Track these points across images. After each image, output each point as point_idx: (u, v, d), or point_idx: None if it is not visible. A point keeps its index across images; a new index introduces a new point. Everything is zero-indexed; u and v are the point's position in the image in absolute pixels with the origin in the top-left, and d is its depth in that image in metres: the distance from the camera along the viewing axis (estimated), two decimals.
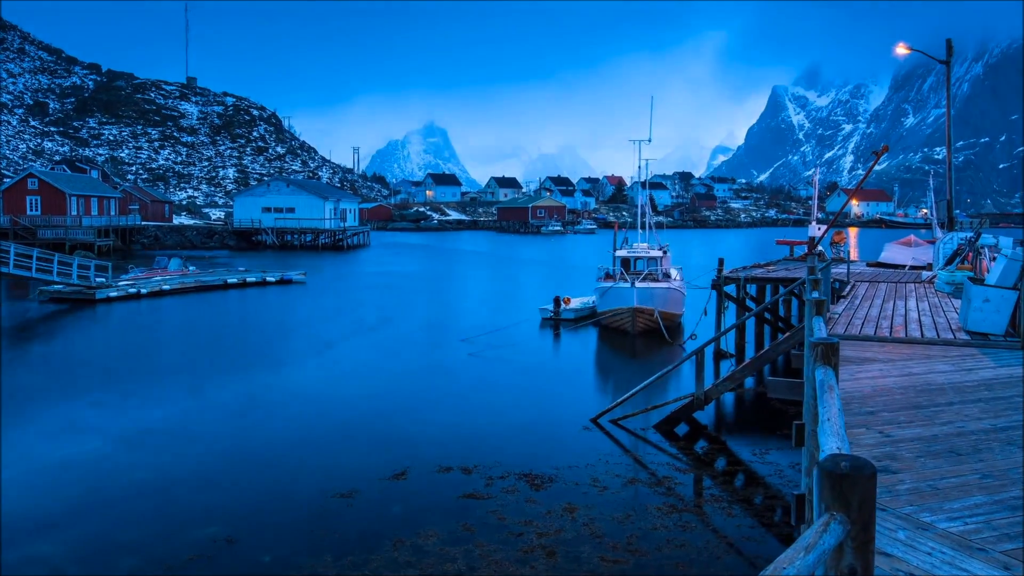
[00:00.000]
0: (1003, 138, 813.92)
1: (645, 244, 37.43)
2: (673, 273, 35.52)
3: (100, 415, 19.71)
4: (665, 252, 35.94)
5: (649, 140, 42.35)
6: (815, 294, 8.88)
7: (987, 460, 7.15)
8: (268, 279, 52.71)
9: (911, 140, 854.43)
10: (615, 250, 35.78)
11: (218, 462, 15.82)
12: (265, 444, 17.10)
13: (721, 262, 28.49)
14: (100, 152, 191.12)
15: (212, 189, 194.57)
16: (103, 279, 43.91)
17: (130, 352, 28.87)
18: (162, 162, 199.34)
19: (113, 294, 42.27)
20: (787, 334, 17.91)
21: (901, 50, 32.77)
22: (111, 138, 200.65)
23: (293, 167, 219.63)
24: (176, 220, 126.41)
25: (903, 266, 30.83)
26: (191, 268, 53.58)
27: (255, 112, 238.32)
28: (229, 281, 50.25)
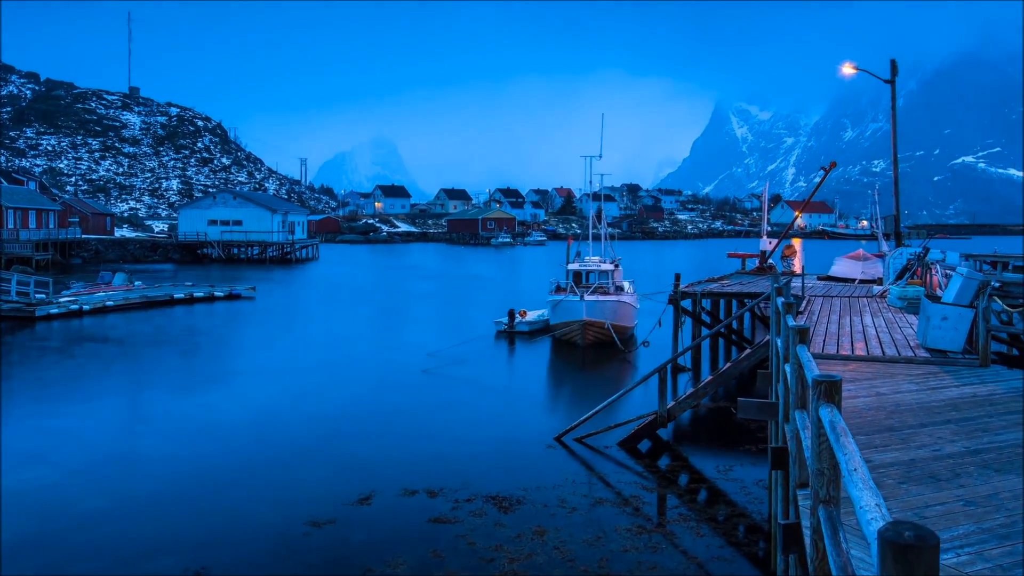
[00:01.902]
0: (937, 151, 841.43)
1: (597, 257, 37.71)
2: (625, 286, 35.81)
3: (44, 439, 18.93)
4: (617, 265, 36.25)
5: (600, 156, 42.75)
6: (790, 319, 8.90)
7: (967, 486, 7.21)
8: (216, 294, 51.61)
9: (850, 153, 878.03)
10: (568, 263, 35.98)
11: (173, 489, 15.29)
12: (221, 469, 16.59)
13: (678, 277, 28.73)
14: (38, 163, 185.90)
15: (155, 201, 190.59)
16: (43, 295, 42.50)
17: (73, 373, 27.93)
18: (103, 173, 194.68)
19: (54, 311, 40.91)
20: (748, 351, 18.06)
21: (847, 70, 33.52)
22: (49, 149, 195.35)
23: (239, 178, 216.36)
24: (118, 233, 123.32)
25: (853, 280, 31.43)
26: (137, 283, 52.21)
27: (200, 123, 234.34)
28: (176, 296, 49.05)
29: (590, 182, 42.76)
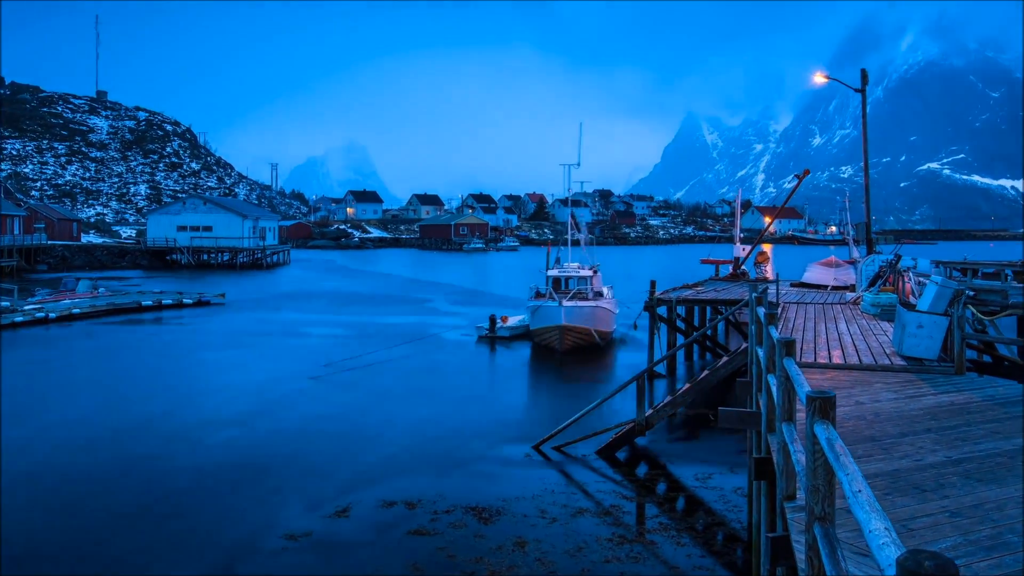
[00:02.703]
0: (903, 158, 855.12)
1: (576, 263, 37.86)
2: (604, 291, 35.97)
3: (10, 451, 18.48)
4: (595, 271, 36.44)
5: (578, 164, 42.99)
6: (774, 330, 8.90)
7: (951, 496, 7.24)
8: (185, 301, 50.96)
9: (818, 159, 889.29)
10: (547, 269, 36.24)
11: (143, 503, 14.98)
12: (194, 481, 16.30)
13: (653, 284, 28.83)
14: (2, 168, 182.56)
15: (123, 206, 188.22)
16: (8, 303, 41.74)
17: (37, 385, 27.39)
18: (69, 178, 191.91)
19: (19, 319, 40.14)
20: (725, 359, 18.12)
21: (819, 79, 33.89)
22: (14, 153, 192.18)
23: (209, 183, 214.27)
24: (85, 239, 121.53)
25: (826, 287, 31.72)
26: (101, 290, 51.39)
27: (169, 127, 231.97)
28: (144, 304, 48.38)
29: (569, 190, 42.98)
